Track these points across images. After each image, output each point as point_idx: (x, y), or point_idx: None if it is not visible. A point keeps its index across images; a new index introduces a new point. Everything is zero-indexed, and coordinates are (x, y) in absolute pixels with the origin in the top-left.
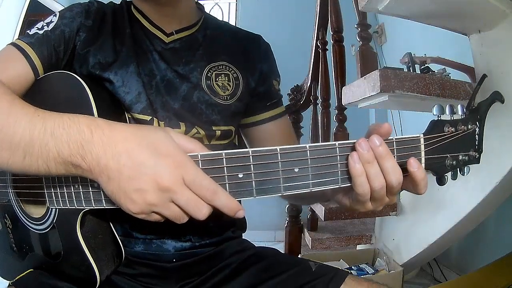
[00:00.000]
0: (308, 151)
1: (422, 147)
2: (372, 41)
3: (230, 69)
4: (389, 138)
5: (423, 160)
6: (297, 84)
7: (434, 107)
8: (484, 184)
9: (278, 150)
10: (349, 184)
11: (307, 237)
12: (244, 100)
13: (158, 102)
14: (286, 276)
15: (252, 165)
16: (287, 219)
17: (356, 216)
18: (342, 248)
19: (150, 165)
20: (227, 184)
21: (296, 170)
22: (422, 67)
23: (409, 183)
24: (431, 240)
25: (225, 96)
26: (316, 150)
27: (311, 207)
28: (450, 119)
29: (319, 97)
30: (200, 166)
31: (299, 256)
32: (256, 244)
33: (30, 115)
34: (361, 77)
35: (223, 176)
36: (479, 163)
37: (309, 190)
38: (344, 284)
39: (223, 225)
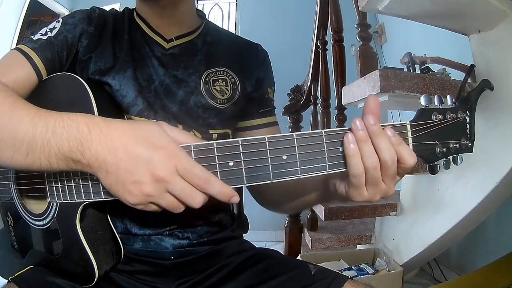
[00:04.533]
0: (295, 139)
1: (409, 133)
2: (372, 41)
3: (228, 74)
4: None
5: (411, 147)
6: (297, 84)
7: (422, 97)
8: (484, 184)
9: (266, 138)
10: (337, 170)
11: (307, 237)
12: (240, 104)
13: (156, 105)
14: (284, 278)
15: (241, 154)
16: (287, 219)
17: (356, 216)
18: (342, 248)
19: (145, 158)
20: (218, 172)
21: (284, 157)
22: (422, 67)
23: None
24: (431, 240)
25: (223, 100)
26: (303, 138)
27: (311, 207)
28: (438, 107)
29: (319, 97)
30: (193, 155)
31: (299, 256)
32: (256, 244)
33: (32, 114)
34: (361, 77)
35: (215, 165)
36: (472, 151)
37: (297, 177)
38: None
39: (221, 224)
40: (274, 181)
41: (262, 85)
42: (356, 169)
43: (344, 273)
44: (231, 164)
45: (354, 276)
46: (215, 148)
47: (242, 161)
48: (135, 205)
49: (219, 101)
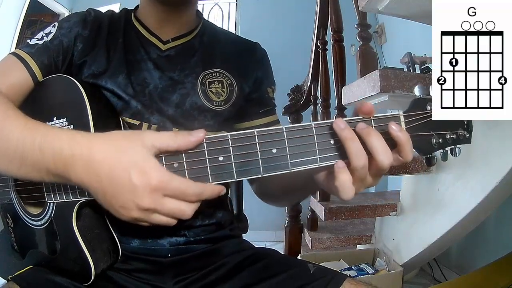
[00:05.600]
0: (284, 132)
1: (403, 124)
2: (372, 41)
3: (224, 76)
4: (367, 117)
5: None
6: (297, 84)
7: (416, 88)
8: (484, 184)
9: (256, 132)
10: (329, 163)
11: (307, 237)
12: (238, 105)
13: (151, 108)
14: (283, 277)
15: (231, 148)
16: (287, 219)
17: (356, 216)
18: (342, 248)
19: (129, 190)
20: (208, 167)
21: (274, 151)
22: (422, 67)
23: (395, 152)
24: (431, 240)
25: (219, 102)
26: (293, 131)
27: (311, 207)
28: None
29: (319, 97)
30: (184, 159)
31: (299, 256)
32: (256, 244)
33: (21, 127)
34: (361, 77)
35: (204, 160)
36: (470, 142)
37: (288, 171)
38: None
39: (219, 223)
40: (264, 175)
41: (261, 85)
42: (346, 190)
43: (344, 273)
44: (221, 158)
45: (354, 276)
46: (205, 143)
47: (232, 156)
48: (125, 220)
49: (215, 103)
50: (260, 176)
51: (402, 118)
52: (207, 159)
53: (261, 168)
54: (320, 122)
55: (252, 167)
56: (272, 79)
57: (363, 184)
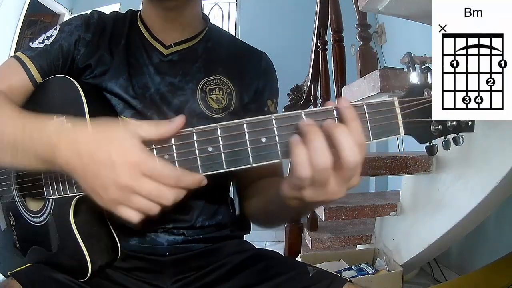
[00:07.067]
0: (273, 121)
1: (398, 110)
2: (372, 41)
3: (224, 83)
4: (359, 103)
5: (400, 124)
6: (297, 84)
7: (412, 74)
8: (484, 184)
9: (244, 121)
10: None
11: (307, 237)
12: (237, 114)
13: (152, 110)
14: (282, 279)
15: (220, 138)
16: None
17: (356, 216)
18: (342, 248)
19: (108, 165)
20: (198, 158)
21: (263, 140)
22: (422, 67)
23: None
24: (431, 240)
25: (218, 110)
26: (281, 119)
27: None
28: (430, 84)
29: (319, 97)
30: (173, 142)
31: (299, 256)
32: (256, 244)
33: (14, 118)
34: (361, 77)
35: (194, 150)
36: (473, 130)
37: (278, 160)
38: None
39: (220, 223)
40: (254, 165)
41: (261, 97)
42: (301, 164)
43: (344, 273)
44: (210, 149)
45: (354, 276)
46: (194, 134)
47: (221, 146)
48: (106, 207)
49: (215, 110)
50: (250, 166)
51: (396, 103)
52: (196, 150)
53: (250, 157)
54: (309, 110)
55: (242, 157)
56: (276, 92)
57: (322, 193)
